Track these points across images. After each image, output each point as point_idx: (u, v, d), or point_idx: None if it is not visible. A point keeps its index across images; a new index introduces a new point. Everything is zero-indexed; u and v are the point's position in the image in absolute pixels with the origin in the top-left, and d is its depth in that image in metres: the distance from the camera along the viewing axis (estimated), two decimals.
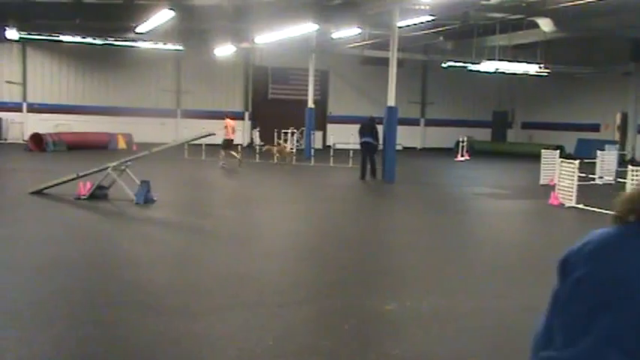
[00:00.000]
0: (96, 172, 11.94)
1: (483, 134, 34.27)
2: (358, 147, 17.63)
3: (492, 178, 19.74)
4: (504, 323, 5.62)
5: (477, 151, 28.63)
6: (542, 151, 17.68)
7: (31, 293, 6.02)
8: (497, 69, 25.34)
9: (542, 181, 16.91)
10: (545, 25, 19.47)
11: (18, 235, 8.83)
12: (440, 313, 5.80)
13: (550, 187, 14.48)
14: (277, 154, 21.04)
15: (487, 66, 24.86)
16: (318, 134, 28.82)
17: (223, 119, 20.39)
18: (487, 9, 18.77)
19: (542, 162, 17.31)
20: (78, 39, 23.88)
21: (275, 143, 21.83)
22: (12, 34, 22.37)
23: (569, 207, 12.81)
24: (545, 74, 26.66)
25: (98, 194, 11.65)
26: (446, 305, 6.06)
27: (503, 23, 21.62)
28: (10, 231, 9.04)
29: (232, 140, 20.11)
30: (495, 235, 10.37)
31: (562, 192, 13.31)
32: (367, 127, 17.27)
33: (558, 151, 17.27)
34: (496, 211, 13.08)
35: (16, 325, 5.12)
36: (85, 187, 11.70)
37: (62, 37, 23.68)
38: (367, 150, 17.06)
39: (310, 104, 25.51)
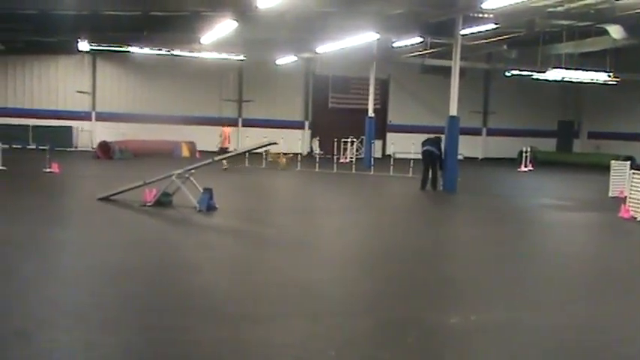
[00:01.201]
0: (161, 179, 12.24)
1: (548, 144, 33.34)
2: (419, 156, 17.43)
3: (558, 190, 19.16)
4: (571, 340, 5.42)
5: (541, 162, 27.87)
6: (612, 162, 17.06)
7: (99, 297, 6.20)
8: (563, 77, 24.63)
9: (611, 193, 16.31)
10: (615, 32, 18.81)
11: (87, 240, 9.13)
12: (505, 328, 5.65)
13: (620, 200, 13.94)
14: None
15: (553, 74, 24.17)
16: (378, 143, 28.73)
17: (222, 126, 21.54)
18: (553, 16, 18.27)
19: (612, 173, 16.69)
20: (145, 50, 24.61)
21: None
22: (84, 45, 23.26)
23: None
24: (615, 82, 25.71)
25: (163, 201, 11.92)
26: (511, 319, 5.90)
27: (571, 30, 21.02)
28: (79, 236, 9.35)
29: (227, 148, 20.46)
30: (562, 248, 10.03)
31: (634, 205, 12.78)
32: (432, 139, 17.07)
33: (629, 162, 16.62)
34: (562, 224, 12.67)
35: (85, 328, 5.27)
36: (150, 194, 11.99)
37: (130, 49, 24.45)
38: (430, 159, 16.82)
39: (370, 113, 25.45)
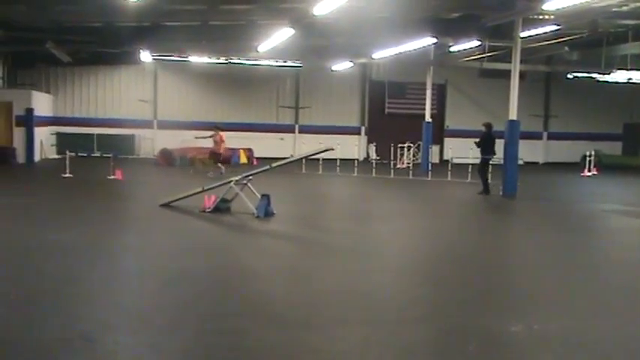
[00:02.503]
0: (220, 185, 12.45)
1: (613, 148, 32.21)
2: (477, 161, 17.26)
3: (624, 195, 18.48)
4: (638, 350, 5.21)
5: (605, 166, 26.96)
6: None
7: (160, 301, 6.34)
8: (629, 79, 23.79)
9: None
10: None
11: (149, 245, 9.36)
12: (570, 338, 5.47)
13: None
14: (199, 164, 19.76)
15: (618, 76, 23.40)
16: (435, 148, 28.40)
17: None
18: (618, 16, 17.69)
19: None
20: (204, 59, 25.13)
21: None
22: (146, 56, 23.94)
23: None
24: None
25: (222, 207, 12.12)
26: (576, 329, 5.72)
27: (636, 30, 20.29)
28: (141, 241, 9.60)
29: (221, 155, 19.98)
30: (630, 256, 9.66)
31: None
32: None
33: None
34: (630, 230, 12.21)
35: (147, 331, 5.41)
36: (210, 201, 12.21)
37: (189, 58, 25.01)
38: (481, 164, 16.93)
39: (427, 118, 25.21)
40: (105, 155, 20.91)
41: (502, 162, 17.03)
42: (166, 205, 12.63)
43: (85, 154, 24.79)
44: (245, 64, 25.91)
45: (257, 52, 22.35)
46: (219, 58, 25.07)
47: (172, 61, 25.82)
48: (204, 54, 24.62)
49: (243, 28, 20.27)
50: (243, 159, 26.22)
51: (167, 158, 24.04)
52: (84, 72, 28.41)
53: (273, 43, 19.73)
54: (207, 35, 21.31)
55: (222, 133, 20.06)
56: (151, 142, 28.67)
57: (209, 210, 12.05)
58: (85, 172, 19.32)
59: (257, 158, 25.75)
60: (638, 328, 5.83)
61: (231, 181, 12.28)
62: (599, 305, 6.65)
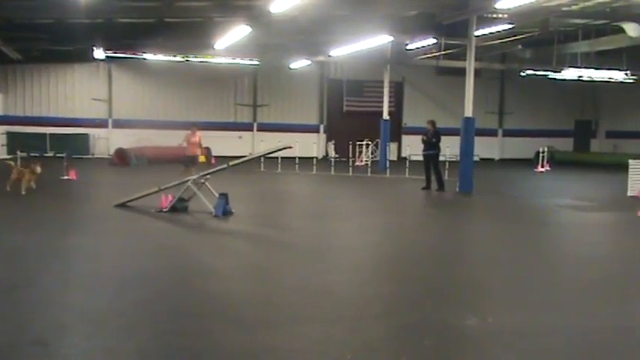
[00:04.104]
0: (176, 185, 12.30)
1: (565, 144, 33.06)
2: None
3: (576, 190, 18.97)
4: (590, 342, 5.36)
5: (558, 162, 27.64)
6: (630, 161, 16.86)
7: (116, 303, 6.23)
8: (579, 76, 24.42)
9: (630, 193, 16.13)
10: (631, 30, 18.60)
11: (104, 246, 9.19)
12: (523, 330, 5.59)
13: (638, 199, 13.77)
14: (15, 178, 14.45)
15: (569, 74, 23.99)
16: (393, 146, 28.65)
17: (196, 130, 17.26)
18: (568, 15, 18.13)
19: (630, 172, 16.51)
20: (160, 57, 24.79)
21: (15, 164, 15.17)
22: (99, 53, 23.48)
23: None
24: (632, 81, 25.45)
25: (179, 207, 11.99)
26: (529, 322, 5.84)
27: (586, 29, 20.83)
28: (96, 243, 9.41)
29: (197, 157, 17.05)
30: (580, 249, 9.93)
31: None
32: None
33: None
34: (581, 224, 12.55)
35: (103, 334, 5.31)
36: (166, 200, 12.06)
37: (145, 56, 24.64)
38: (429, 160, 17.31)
39: (385, 116, 25.41)
40: (58, 155, 20.44)
41: (458, 158, 17.30)
42: (122, 206, 12.43)
43: (37, 154, 24.17)
44: (202, 61, 25.66)
45: (214, 49, 22.17)
46: (175, 56, 24.76)
47: (127, 58, 25.37)
48: (160, 52, 24.28)
49: (200, 26, 20.09)
50: (201, 158, 25.91)
51: (123, 158, 23.65)
52: (35, 70, 27.74)
53: (230, 40, 19.60)
54: (162, 33, 21.03)
55: (198, 132, 17.20)
56: (106, 142, 28.18)
57: (166, 210, 11.91)
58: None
59: (215, 157, 25.54)
60: (587, 320, 5.99)
61: (189, 180, 12.16)
62: (552, 298, 6.81)
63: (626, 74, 24.25)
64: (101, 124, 28.40)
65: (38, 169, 14.70)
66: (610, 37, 20.79)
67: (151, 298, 6.43)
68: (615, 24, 18.92)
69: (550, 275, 7.99)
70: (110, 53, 23.93)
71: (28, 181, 14.45)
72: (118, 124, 28.42)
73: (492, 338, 5.37)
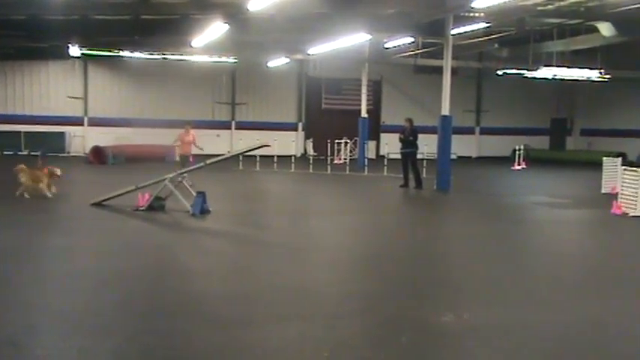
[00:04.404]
0: (153, 183, 12.21)
1: (541, 142, 33.47)
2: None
3: (551, 187, 19.22)
4: (566, 337, 5.43)
5: (534, 160, 27.95)
6: (604, 158, 17.12)
7: (92, 303, 6.18)
8: (555, 75, 24.72)
9: (603, 190, 16.37)
10: (605, 29, 18.90)
11: (79, 245, 9.09)
12: (499, 326, 5.65)
13: (612, 196, 13.99)
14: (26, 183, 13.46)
15: (544, 72, 24.28)
16: (372, 144, 28.75)
17: (191, 128, 17.13)
18: (544, 14, 18.33)
19: (604, 170, 16.76)
20: (136, 54, 24.57)
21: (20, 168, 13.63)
22: (74, 51, 23.19)
23: (633, 216, 12.35)
24: (606, 80, 25.83)
25: (156, 205, 11.90)
26: (505, 317, 5.91)
27: (561, 28, 21.09)
28: (71, 242, 9.31)
29: (189, 157, 16.48)
30: (555, 246, 10.07)
31: (625, 201, 12.84)
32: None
33: (620, 158, 16.68)
34: (556, 221, 12.71)
35: (78, 334, 5.25)
36: (143, 199, 11.97)
37: (121, 53, 24.40)
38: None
39: (363, 114, 25.48)
40: (33, 153, 20.16)
41: (436, 156, 17.42)
42: (98, 204, 12.31)
43: (11, 152, 23.85)
44: (180, 59, 25.49)
45: (191, 47, 22.03)
46: (152, 54, 24.56)
47: (103, 56, 25.10)
48: (136, 49, 24.06)
49: (177, 23, 19.95)
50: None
51: (99, 156, 23.40)
52: (9, 67, 27.35)
53: (208, 38, 19.49)
54: (139, 30, 20.84)
55: (192, 131, 16.89)
56: (82, 140, 27.88)
57: (143, 208, 11.81)
58: (11, 172, 18.53)
59: (193, 155, 25.37)
60: (561, 316, 6.07)
61: (166, 178, 12.07)
62: (527, 294, 6.89)
63: (600, 73, 24.63)
64: (77, 122, 28.09)
65: (58, 172, 13.81)
66: (584, 36, 21.07)
67: (128, 297, 6.38)
68: (590, 23, 19.19)
69: (525, 272, 8.08)
70: (86, 50, 23.67)
71: (48, 185, 13.50)
72: (95, 122, 28.14)
73: (468, 334, 5.42)
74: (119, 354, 4.84)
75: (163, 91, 28.92)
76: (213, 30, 17.83)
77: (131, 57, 24.89)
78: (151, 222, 11.09)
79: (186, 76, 28.26)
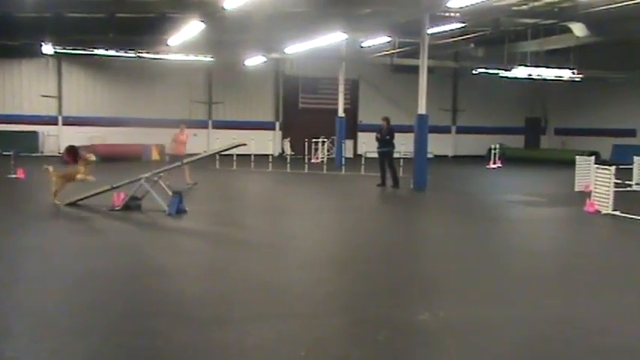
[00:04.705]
0: (129, 183, 12.09)
1: (516, 141, 33.85)
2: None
3: (526, 186, 19.44)
4: (540, 334, 5.49)
5: (509, 158, 28.25)
6: (577, 157, 17.36)
7: (66, 304, 6.10)
8: (529, 75, 25.02)
9: (577, 188, 16.60)
10: (578, 29, 19.18)
11: (53, 246, 8.98)
12: (474, 324, 5.70)
13: (585, 194, 14.20)
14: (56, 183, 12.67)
15: (519, 72, 24.56)
16: (349, 143, 28.82)
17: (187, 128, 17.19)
18: (518, 15, 18.56)
19: (577, 168, 17.00)
20: (111, 52, 24.30)
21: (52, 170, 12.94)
22: (47, 48, 22.88)
23: (606, 214, 12.54)
24: (579, 79, 26.22)
25: (132, 205, 11.79)
26: (480, 315, 5.96)
27: (535, 29, 21.35)
28: (45, 242, 9.19)
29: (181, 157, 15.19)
30: (530, 243, 10.18)
31: (598, 199, 13.04)
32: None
33: (593, 157, 16.93)
34: (530, 219, 12.86)
35: (51, 336, 5.18)
36: (119, 198, 11.86)
37: (96, 51, 24.13)
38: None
39: (340, 113, 25.52)
40: (5, 153, 19.84)
41: (413, 155, 17.51)
42: (73, 204, 12.16)
43: None
44: (155, 58, 25.28)
45: (167, 45, 21.88)
46: (127, 52, 24.32)
47: (78, 54, 24.79)
48: (111, 47, 23.81)
49: (152, 21, 19.80)
50: (155, 155, 25.59)
51: (74, 156, 23.08)
52: None
53: (184, 37, 19.38)
54: (114, 28, 20.63)
55: (186, 131, 16.79)
56: (56, 139, 27.52)
57: (118, 208, 11.70)
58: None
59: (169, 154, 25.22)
60: (538, 312, 6.15)
61: (141, 178, 11.97)
62: (502, 292, 6.97)
63: (573, 73, 24.99)
64: (51, 121, 27.72)
65: (93, 157, 13.27)
66: (558, 36, 21.38)
67: (102, 298, 6.32)
68: (563, 24, 19.46)
69: (500, 269, 8.17)
70: (59, 49, 23.36)
71: (86, 173, 12.74)
72: (69, 122, 27.80)
73: (444, 332, 5.46)
74: (93, 355, 4.78)
75: (139, 90, 28.67)
76: (190, 28, 17.74)
77: (106, 55, 24.61)
78: (126, 222, 10.99)
79: (162, 75, 28.05)
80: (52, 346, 4.92)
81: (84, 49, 23.94)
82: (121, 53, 24.41)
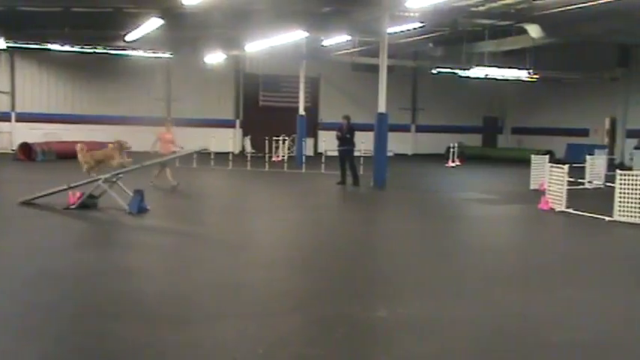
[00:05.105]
0: (87, 183, 11.85)
1: (474, 140, 34.41)
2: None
3: (483, 184, 19.78)
4: (497, 329, 5.61)
5: (467, 157, 28.70)
6: (532, 156, 17.75)
7: (20, 305, 5.96)
8: (486, 75, 25.47)
9: (532, 186, 16.97)
10: (534, 31, 19.58)
11: (6, 245, 8.75)
12: (431, 320, 5.79)
13: (540, 192, 14.52)
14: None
15: (477, 72, 24.97)
16: (310, 141, 28.83)
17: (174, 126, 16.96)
18: (476, 15, 18.85)
19: (532, 167, 17.37)
20: (67, 48, 23.79)
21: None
22: (0, 43, 22.28)
23: (559, 211, 12.86)
24: (535, 80, 26.81)
25: (89, 204, 11.58)
26: (437, 312, 6.06)
27: (493, 29, 21.73)
28: None
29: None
30: (486, 241, 10.37)
31: (552, 197, 13.36)
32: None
33: (548, 155, 17.33)
34: (487, 217, 13.10)
35: (3, 337, 5.06)
36: (74, 197, 11.62)
37: (51, 46, 23.59)
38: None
39: (301, 111, 25.53)
40: None
41: (372, 154, 17.64)
42: (27, 203, 11.87)
43: None
44: (113, 53, 24.86)
45: (125, 41, 21.54)
46: (83, 47, 23.85)
47: (32, 49, 24.20)
48: (67, 42, 23.31)
49: (109, 16, 19.47)
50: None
51: (28, 153, 22.56)
52: None
53: (142, 32, 19.11)
54: (69, 22, 20.21)
55: (172, 128, 16.49)
56: (9, 136, 26.82)
57: (74, 207, 11.47)
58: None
59: (128, 153, 24.82)
60: (494, 308, 6.27)
61: (100, 178, 11.74)
62: (458, 288, 7.08)
63: (529, 73, 25.54)
64: (3, 117, 27.00)
65: (128, 144, 13.14)
66: (514, 37, 21.80)
67: (56, 298, 6.19)
68: (519, 25, 19.85)
69: (458, 266, 8.30)
70: (12, 43, 22.76)
71: (121, 158, 12.52)
72: (23, 118, 27.11)
73: (402, 328, 5.53)
74: (47, 357, 4.69)
75: (96, 87, 28.17)
76: (148, 24, 17.50)
77: (61, 51, 24.08)
78: (84, 221, 10.79)
79: (120, 72, 27.62)
80: (3, 348, 4.81)
81: (38, 44, 23.39)
82: (77, 49, 23.93)
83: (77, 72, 27.54)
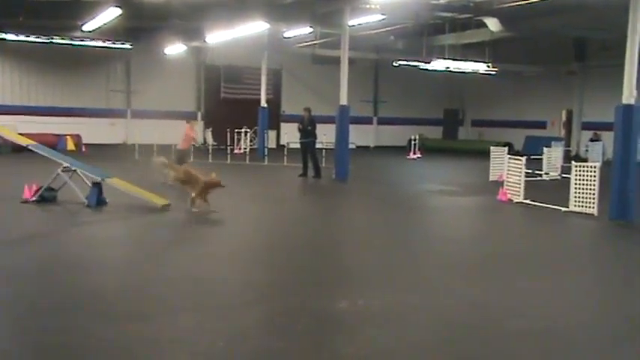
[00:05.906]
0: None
1: (435, 132, 34.77)
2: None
3: (443, 176, 20.04)
4: (455, 319, 5.70)
5: (428, 149, 29.02)
6: (492, 148, 18.04)
7: None
8: (447, 68, 25.75)
9: (491, 178, 17.26)
10: (493, 24, 19.87)
11: None
12: (391, 311, 5.86)
13: (499, 184, 14.78)
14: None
15: (437, 65, 25.22)
16: (272, 133, 28.74)
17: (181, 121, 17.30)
18: (436, 8, 19.02)
19: (492, 159, 17.66)
20: (22, 37, 23.17)
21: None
22: None
23: (517, 202, 13.12)
24: (494, 73, 27.22)
25: (47, 197, 11.34)
26: (397, 302, 6.13)
27: (453, 23, 21.97)
28: None
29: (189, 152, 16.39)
30: (446, 232, 10.53)
31: (510, 188, 13.62)
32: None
33: (507, 148, 17.65)
34: (447, 208, 13.28)
35: None
36: (31, 190, 11.37)
37: (4, 36, 22.94)
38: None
39: (263, 103, 25.42)
40: None
41: (334, 146, 17.68)
42: None
43: None
44: (70, 44, 24.30)
45: (82, 31, 21.09)
46: (39, 37, 23.25)
47: None
48: (21, 32, 22.69)
49: (65, 5, 19.02)
50: (71, 146, 24.67)
51: None
52: None
53: (100, 22, 18.74)
54: (24, 12, 19.67)
55: (188, 125, 16.67)
56: None
57: (32, 200, 11.22)
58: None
59: (86, 145, 24.38)
60: (455, 298, 6.37)
61: (59, 168, 11.50)
62: (419, 279, 7.18)
63: (488, 66, 25.91)
64: None
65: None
66: (474, 30, 22.09)
67: (11, 294, 6.06)
68: (478, 18, 20.12)
69: (418, 257, 8.41)
70: None
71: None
72: None
73: (362, 320, 5.58)
74: (4, 354, 4.59)
75: (53, 78, 27.51)
76: (106, 14, 17.17)
77: (16, 41, 23.43)
78: (42, 214, 10.58)
79: (77, 62, 27.04)
80: None
81: None
82: (33, 38, 23.32)
83: (33, 63, 26.85)
